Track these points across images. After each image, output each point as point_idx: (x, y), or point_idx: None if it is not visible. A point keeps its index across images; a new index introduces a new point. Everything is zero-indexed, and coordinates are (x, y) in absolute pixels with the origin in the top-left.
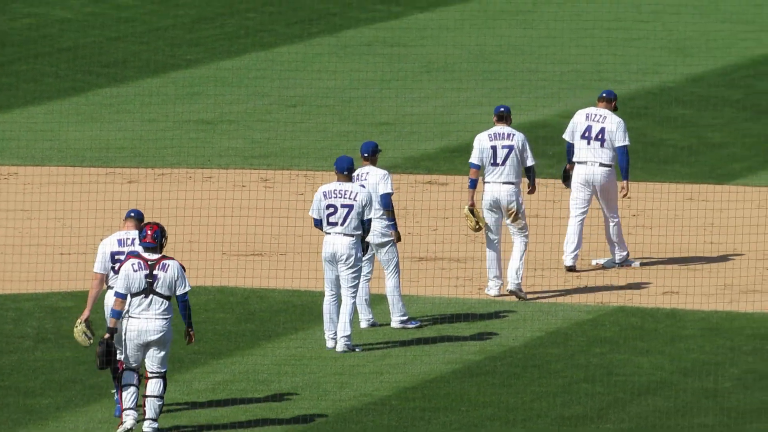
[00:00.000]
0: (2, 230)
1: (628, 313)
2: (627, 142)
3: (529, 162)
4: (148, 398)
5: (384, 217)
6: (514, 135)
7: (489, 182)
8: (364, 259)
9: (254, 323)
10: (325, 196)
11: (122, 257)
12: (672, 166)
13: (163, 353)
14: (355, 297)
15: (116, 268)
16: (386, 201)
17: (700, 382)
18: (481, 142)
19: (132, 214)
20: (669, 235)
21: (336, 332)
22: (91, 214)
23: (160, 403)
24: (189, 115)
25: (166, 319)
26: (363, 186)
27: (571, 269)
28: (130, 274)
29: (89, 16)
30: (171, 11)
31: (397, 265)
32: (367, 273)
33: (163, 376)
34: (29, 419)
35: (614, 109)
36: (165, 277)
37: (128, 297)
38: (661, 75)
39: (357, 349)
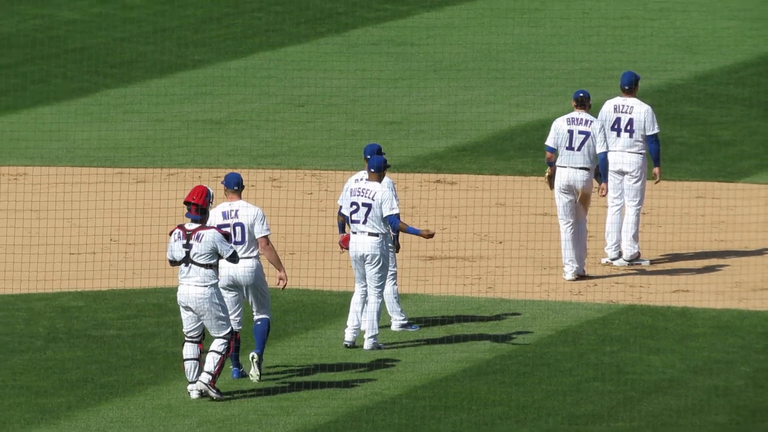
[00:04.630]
0: (12, 230)
1: (638, 311)
2: (657, 130)
3: (600, 149)
4: (210, 351)
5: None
6: (591, 122)
7: (564, 166)
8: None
9: None
10: (351, 193)
11: (228, 229)
12: (682, 164)
13: (212, 320)
14: (381, 296)
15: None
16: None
17: (712, 380)
18: (559, 126)
19: (235, 188)
20: (679, 233)
21: (358, 325)
22: (99, 213)
23: (218, 358)
24: (197, 115)
25: (205, 286)
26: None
27: (616, 259)
28: (171, 243)
29: (96, 17)
30: (178, 11)
31: (395, 274)
32: (393, 267)
33: (226, 338)
34: (41, 418)
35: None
36: (200, 247)
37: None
38: (669, 73)
39: (384, 347)
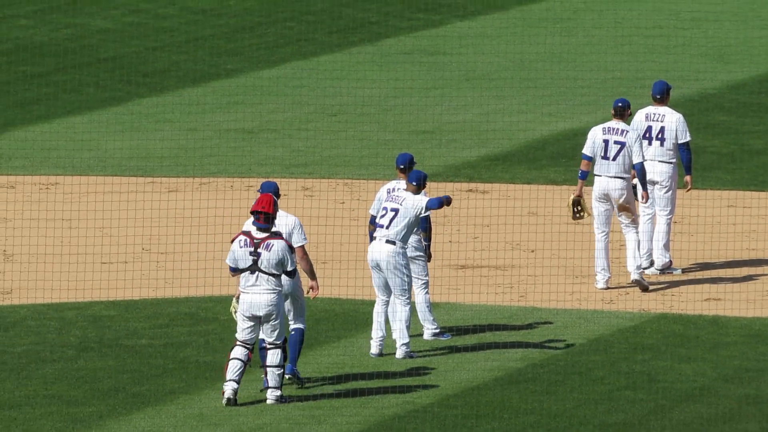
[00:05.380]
0: (44, 239)
1: (670, 320)
2: (688, 138)
3: (636, 159)
4: (268, 368)
5: (418, 232)
6: (627, 132)
7: (600, 175)
8: (420, 262)
9: None
10: (386, 198)
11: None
12: (714, 173)
13: (275, 326)
14: (408, 304)
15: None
16: (424, 225)
17: (743, 388)
18: (595, 135)
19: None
20: (710, 242)
21: (382, 337)
22: (131, 222)
23: (279, 372)
24: (229, 125)
25: (273, 293)
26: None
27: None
28: (237, 250)
29: (129, 27)
30: (211, 21)
31: (426, 283)
32: (424, 276)
33: (280, 347)
34: (73, 428)
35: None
36: (268, 256)
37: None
38: (701, 82)
39: (416, 356)
